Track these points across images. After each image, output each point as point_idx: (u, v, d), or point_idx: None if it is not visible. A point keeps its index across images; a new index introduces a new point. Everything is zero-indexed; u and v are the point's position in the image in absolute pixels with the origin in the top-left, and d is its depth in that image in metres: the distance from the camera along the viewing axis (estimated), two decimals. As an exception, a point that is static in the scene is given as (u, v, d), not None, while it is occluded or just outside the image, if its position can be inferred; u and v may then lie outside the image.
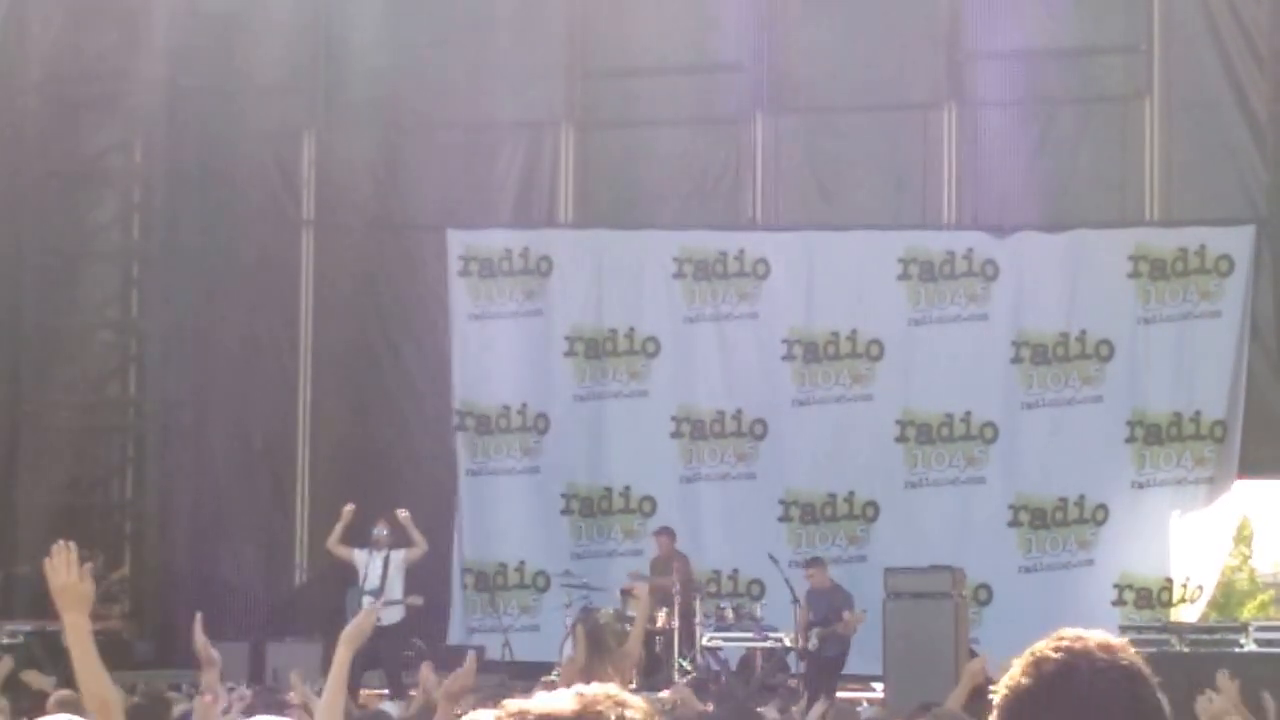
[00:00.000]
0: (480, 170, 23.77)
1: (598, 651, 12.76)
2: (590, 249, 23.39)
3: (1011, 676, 3.08)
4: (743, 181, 23.44)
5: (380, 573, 20.17)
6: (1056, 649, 3.07)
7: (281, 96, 24.05)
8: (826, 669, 19.73)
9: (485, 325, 23.44)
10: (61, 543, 5.20)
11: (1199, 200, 22.16)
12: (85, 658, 5.05)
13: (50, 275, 22.76)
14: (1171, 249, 21.90)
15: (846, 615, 19.81)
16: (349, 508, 20.08)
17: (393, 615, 20.25)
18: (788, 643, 19.93)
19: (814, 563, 20.62)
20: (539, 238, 23.57)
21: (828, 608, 19.92)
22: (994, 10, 22.62)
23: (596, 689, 2.85)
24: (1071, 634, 3.10)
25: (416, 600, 20.53)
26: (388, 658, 20.05)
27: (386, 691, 19.09)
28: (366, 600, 20.26)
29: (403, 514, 19.77)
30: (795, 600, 20.00)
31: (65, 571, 5.05)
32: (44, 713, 12.03)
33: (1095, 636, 3.10)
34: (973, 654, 19.40)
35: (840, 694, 19.54)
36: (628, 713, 2.82)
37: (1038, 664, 3.06)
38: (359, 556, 20.50)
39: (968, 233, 22.62)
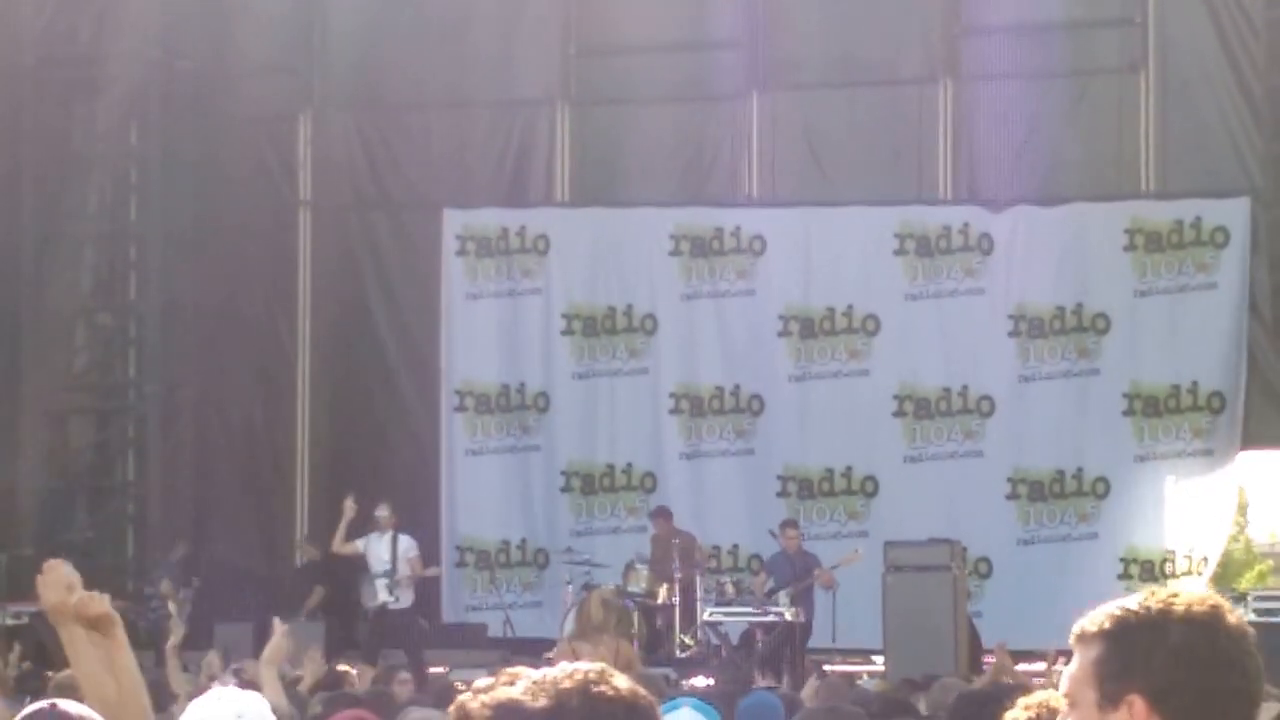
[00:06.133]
0: (476, 149, 23.78)
1: (590, 627, 12.84)
2: (587, 227, 23.41)
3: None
4: (739, 158, 23.45)
5: (389, 554, 20.11)
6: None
7: (276, 78, 24.06)
8: (795, 637, 19.62)
9: (482, 304, 23.46)
10: (52, 561, 5.17)
11: (1194, 173, 22.17)
12: (80, 664, 5.09)
13: (49, 258, 22.78)
14: (1167, 221, 21.92)
15: (818, 571, 19.93)
16: (349, 504, 20.05)
17: (406, 598, 20.17)
18: (789, 617, 19.95)
19: (789, 524, 20.74)
20: (535, 216, 23.58)
21: (796, 570, 20.00)
22: (988, -16, 22.65)
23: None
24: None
25: (436, 570, 20.72)
26: (409, 642, 19.89)
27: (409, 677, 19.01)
28: (380, 583, 20.22)
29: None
30: (758, 571, 20.24)
31: (55, 590, 5.02)
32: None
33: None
34: (972, 627, 19.52)
35: (840, 667, 19.59)
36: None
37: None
38: (363, 544, 20.46)
39: (964, 207, 22.64)
